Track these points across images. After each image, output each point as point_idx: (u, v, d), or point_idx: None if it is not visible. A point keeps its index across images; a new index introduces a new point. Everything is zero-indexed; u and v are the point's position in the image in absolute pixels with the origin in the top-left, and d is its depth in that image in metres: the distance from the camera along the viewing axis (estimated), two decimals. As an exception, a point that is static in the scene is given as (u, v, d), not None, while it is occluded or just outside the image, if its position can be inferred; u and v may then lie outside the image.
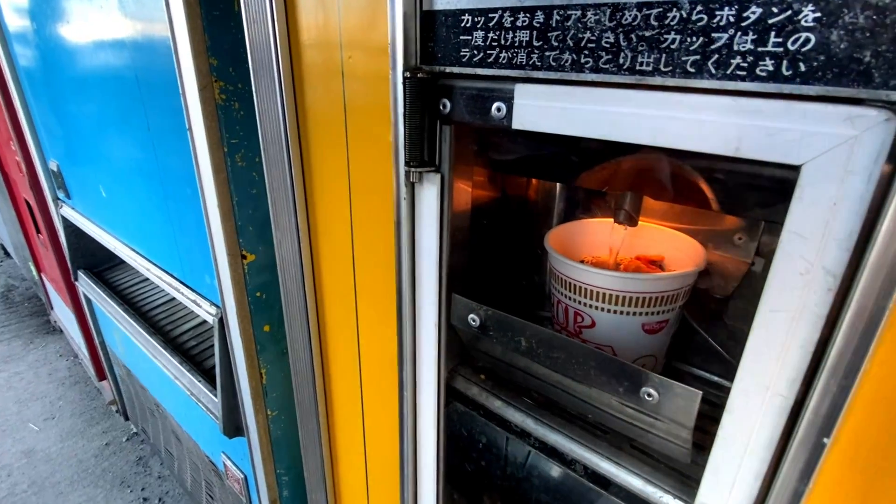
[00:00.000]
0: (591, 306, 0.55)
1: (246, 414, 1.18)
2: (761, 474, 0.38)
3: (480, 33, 0.43)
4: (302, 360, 0.83)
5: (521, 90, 0.42)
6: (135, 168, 1.22)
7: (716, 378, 0.63)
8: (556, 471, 0.56)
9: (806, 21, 0.28)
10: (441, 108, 0.48)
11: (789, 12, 0.29)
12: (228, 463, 1.43)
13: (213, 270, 1.05)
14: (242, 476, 1.39)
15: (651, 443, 0.50)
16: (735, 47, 0.31)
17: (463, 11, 0.44)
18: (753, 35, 0.30)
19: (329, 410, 0.85)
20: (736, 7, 0.30)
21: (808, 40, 0.29)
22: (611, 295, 0.53)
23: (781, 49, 0.30)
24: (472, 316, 0.55)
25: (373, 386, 0.72)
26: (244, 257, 1.00)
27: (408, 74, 0.47)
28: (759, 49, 0.30)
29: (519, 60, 0.41)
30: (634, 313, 0.53)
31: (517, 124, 0.43)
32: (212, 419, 1.35)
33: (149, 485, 2.22)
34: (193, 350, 1.52)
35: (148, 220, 1.28)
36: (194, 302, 1.22)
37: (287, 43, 0.62)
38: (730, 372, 0.63)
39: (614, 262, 0.61)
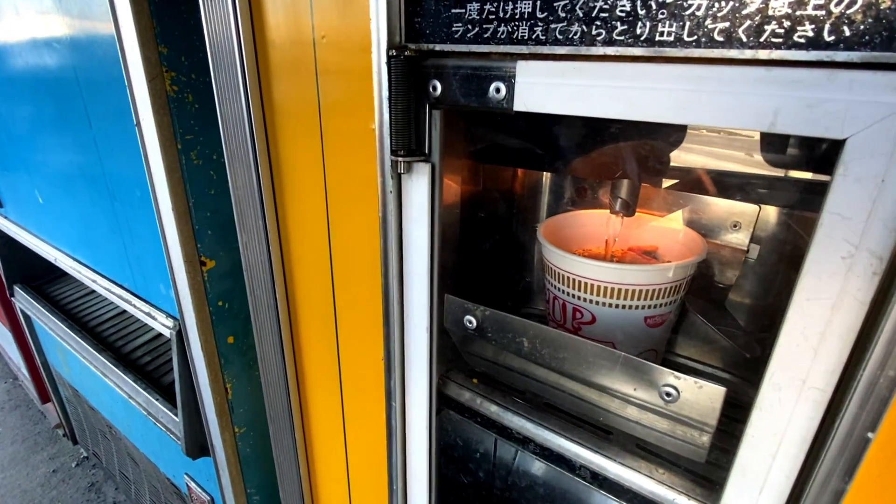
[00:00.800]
0: (591, 301, 0.52)
1: (211, 432, 1.09)
2: (794, 474, 0.35)
3: (475, 5, 0.39)
4: (274, 373, 0.76)
5: (523, 68, 0.38)
6: (76, 171, 1.11)
7: (718, 372, 0.62)
8: (561, 478, 0.53)
9: (852, -21, 0.26)
10: (431, 90, 0.44)
11: (832, -30, 0.26)
12: (192, 485, 1.33)
13: (168, 279, 0.96)
14: (209, 498, 1.30)
15: (660, 442, 0.47)
16: (770, 12, 0.28)
17: (454, -18, 0.39)
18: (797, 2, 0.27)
19: (306, 425, 0.79)
20: (772, -34, 0.28)
21: (853, 1, 0.26)
22: (613, 288, 0.50)
23: (823, 12, 0.27)
24: (468, 318, 0.50)
25: (356, 397, 0.67)
26: (203, 264, 0.92)
27: (392, 53, 0.42)
28: (798, 13, 0.28)
29: (521, 35, 0.38)
30: (637, 307, 0.51)
31: (520, 106, 0.39)
32: (172, 440, 1.25)
33: (102, 513, 2.06)
34: (150, 366, 1.41)
35: (92, 228, 1.17)
36: (148, 314, 1.12)
37: (250, 24, 0.56)
38: (731, 363, 0.61)
39: (610, 253, 0.58)
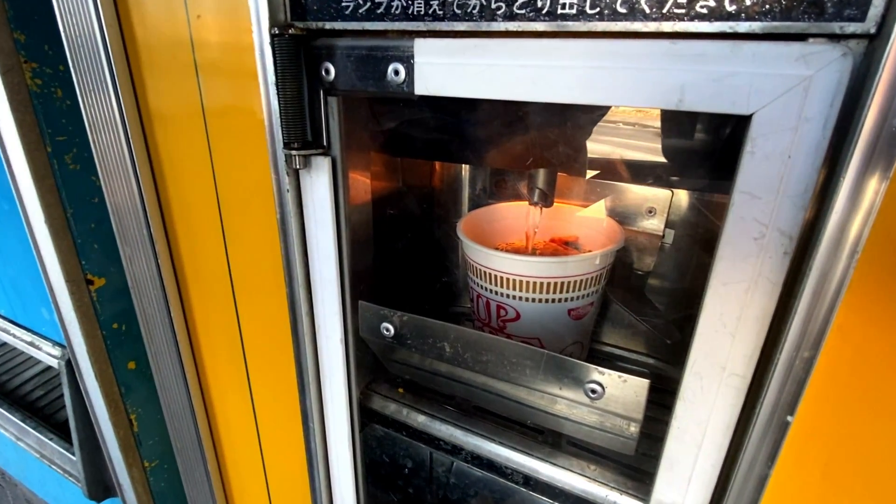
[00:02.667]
0: (513, 297, 0.49)
1: (116, 470, 0.97)
2: (720, 462, 0.34)
3: (365, -23, 0.35)
4: (177, 400, 0.68)
5: (422, 47, 0.34)
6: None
7: (644, 357, 0.62)
8: (495, 484, 0.50)
9: (750, -56, 0.24)
10: (324, 74, 0.39)
11: (730, -65, 0.25)
12: (101, 530, 1.19)
13: (50, 303, 0.84)
14: (121, 543, 1.16)
15: (590, 438, 0.46)
16: (673, -21, 0.26)
17: (340, -50, 0.35)
18: (693, -37, 0.26)
19: (220, 455, 0.71)
20: (671, -70, 0.26)
21: (752, -33, 0.25)
22: (535, 283, 0.48)
23: (725, -21, 0.25)
24: (385, 325, 0.46)
25: (271, 421, 0.61)
26: (90, 282, 0.81)
27: (276, 31, 0.37)
28: (700, -20, 0.26)
29: (416, 10, 0.34)
30: (561, 299, 0.49)
31: (421, 90, 0.35)
32: (70, 482, 1.11)
33: (-1, 571, 1.82)
34: (41, 401, 1.24)
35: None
36: (31, 344, 0.98)
37: (114, 7, 0.48)
38: (655, 347, 0.61)
39: (531, 246, 0.56)
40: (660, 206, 0.57)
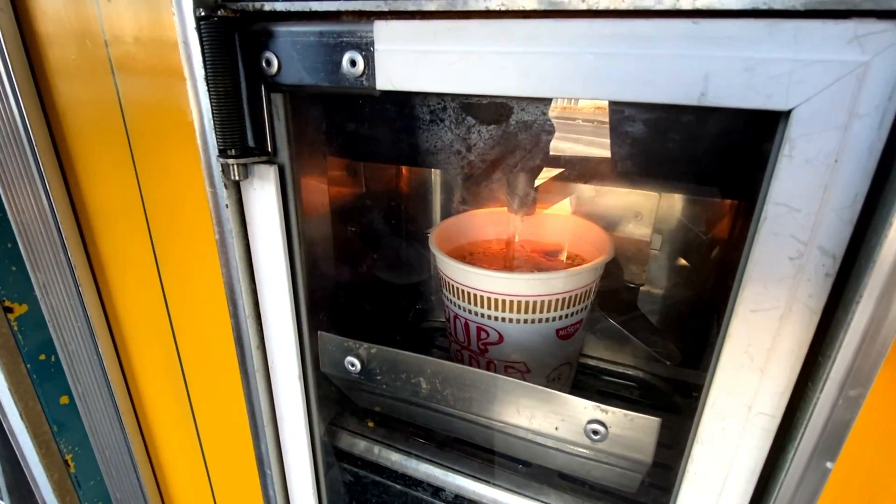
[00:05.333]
0: (497, 318, 0.44)
1: (51, 517, 0.86)
2: (744, 512, 0.30)
3: (311, -54, 0.28)
4: (113, 447, 0.60)
5: (383, 31, 0.28)
6: None
7: (635, 371, 0.58)
8: (480, 530, 0.45)
9: None
10: (265, 65, 0.32)
11: None
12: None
13: (-38, 334, 0.73)
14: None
15: (584, 469, 0.41)
16: (693, -56, 0.21)
17: (279, -88, 0.28)
18: (719, -77, 0.21)
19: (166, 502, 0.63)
20: None
21: (794, -73, 0.20)
22: (519, 302, 0.42)
23: (758, -58, 0.20)
24: (349, 359, 0.40)
25: (224, 469, 0.53)
26: (9, 310, 0.71)
27: (202, 13, 0.30)
28: (727, -55, 0.21)
29: (375, -15, 0.28)
30: (548, 319, 0.44)
31: (384, 84, 0.29)
32: (3, 530, 0.99)
33: None
34: (-36, 440, 1.10)
35: None
36: (-57, 380, 0.85)
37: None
38: (645, 359, 0.57)
39: (512, 259, 0.51)
40: (646, 209, 0.53)
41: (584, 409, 0.33)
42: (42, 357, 0.75)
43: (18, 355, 0.72)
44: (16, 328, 0.71)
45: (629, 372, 0.59)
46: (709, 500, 0.31)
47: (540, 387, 0.34)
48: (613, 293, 0.54)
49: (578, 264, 0.45)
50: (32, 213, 0.48)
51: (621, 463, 0.35)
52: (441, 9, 0.27)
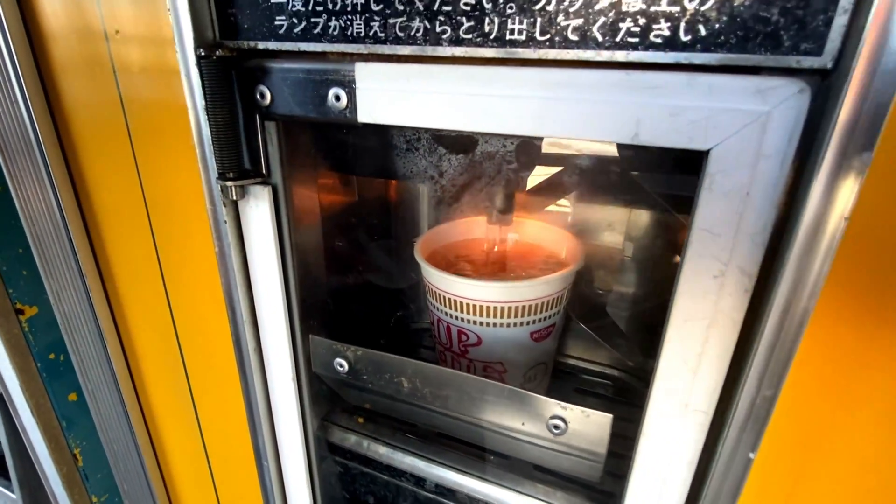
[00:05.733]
0: (475, 322, 0.48)
1: (60, 508, 0.90)
2: (684, 496, 0.34)
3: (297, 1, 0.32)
4: (121, 441, 0.63)
5: (364, 71, 0.32)
6: None
7: (609, 370, 0.61)
8: (459, 517, 0.48)
9: (703, -27, 0.23)
10: (259, 98, 0.36)
11: (683, -38, 0.23)
12: (48, 569, 1.11)
13: (-25, 334, 0.76)
14: (71, 581, 1.09)
15: (556, 462, 0.45)
16: (624, 7, 0.25)
17: (270, -36, 0.32)
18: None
19: (171, 495, 0.67)
20: (622, -45, 0.24)
21: (712, 7, 0.23)
22: (496, 307, 0.46)
23: (678, 9, 0.24)
24: (338, 360, 0.43)
25: (224, 460, 0.57)
26: (20, 312, 0.75)
27: (202, 53, 0.34)
28: (652, 9, 0.24)
29: (356, 31, 0.31)
30: (523, 323, 0.47)
31: (365, 117, 0.33)
32: (13, 521, 1.03)
33: None
34: (-25, 435, 1.14)
35: None
36: (-44, 377, 0.89)
37: (21, 21, 0.43)
38: (619, 360, 0.61)
39: (491, 265, 0.54)
40: (618, 218, 0.56)
41: (546, 407, 0.37)
42: (51, 356, 0.78)
43: (29, 355, 0.76)
44: (27, 329, 0.75)
45: (605, 371, 0.62)
46: (655, 486, 0.34)
47: (507, 386, 0.38)
48: (585, 298, 0.58)
49: (553, 271, 0.49)
50: (45, 222, 0.51)
51: (583, 454, 0.38)
52: (413, 54, 0.30)
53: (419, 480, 0.49)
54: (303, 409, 0.47)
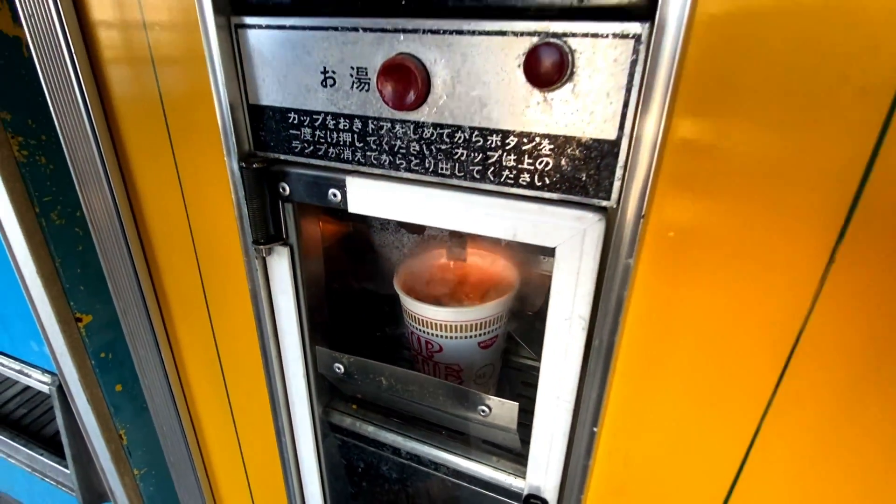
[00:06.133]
0: (437, 336, 0.65)
1: (109, 480, 1.09)
2: (562, 457, 0.51)
3: (308, 130, 0.48)
4: (169, 423, 0.81)
5: (352, 181, 0.49)
6: None
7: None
8: (429, 476, 0.66)
9: (545, 150, 0.40)
10: (281, 190, 0.53)
11: (535, 142, 0.40)
12: (93, 532, 1.30)
13: (40, 337, 0.94)
14: (113, 542, 1.29)
15: (495, 439, 0.63)
16: (504, 163, 0.42)
17: (289, 110, 0.48)
18: (514, 156, 0.41)
19: (207, 464, 0.85)
20: (500, 135, 0.41)
21: (547, 163, 0.40)
22: (452, 325, 0.63)
23: (532, 167, 0.41)
24: (336, 365, 0.61)
25: (251, 435, 0.75)
26: (79, 320, 0.92)
27: (243, 165, 0.51)
28: (519, 165, 0.41)
29: (346, 156, 0.48)
30: (471, 336, 0.65)
31: (353, 209, 0.50)
32: (62, 491, 1.22)
33: (-14, 577, 1.88)
34: (27, 419, 1.33)
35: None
36: (20, 372, 1.08)
37: (101, 109, 0.60)
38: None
39: (452, 290, 0.71)
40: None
41: (477, 398, 0.54)
42: (102, 355, 0.96)
43: (85, 354, 0.94)
44: (83, 333, 0.93)
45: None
46: (544, 451, 0.52)
47: (451, 384, 0.55)
48: (519, 314, 0.75)
49: (499, 295, 0.66)
50: (115, 249, 0.68)
51: (503, 430, 0.56)
52: (383, 174, 0.47)
53: (396, 450, 0.67)
54: (311, 399, 0.65)
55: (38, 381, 1.05)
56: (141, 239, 0.66)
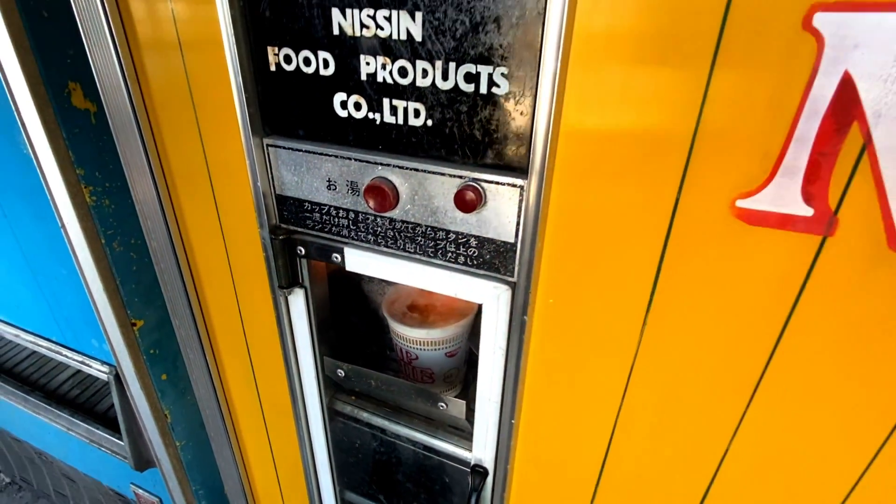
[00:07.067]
0: (414, 348, 0.87)
1: (155, 449, 1.34)
2: (495, 438, 0.74)
3: (317, 215, 0.70)
4: (210, 406, 1.05)
5: (347, 250, 0.70)
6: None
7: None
8: (406, 450, 0.89)
9: (472, 244, 0.61)
10: (298, 251, 0.74)
11: (466, 239, 0.61)
12: (140, 491, 1.57)
13: (100, 335, 1.18)
14: (156, 499, 1.55)
15: (456, 424, 0.85)
16: (447, 248, 0.63)
17: (304, 201, 0.70)
18: (453, 246, 0.62)
19: (239, 438, 1.09)
20: (444, 232, 0.62)
21: (474, 252, 0.62)
22: (424, 340, 0.85)
23: (465, 253, 0.62)
24: (338, 370, 0.84)
25: (275, 418, 0.99)
26: (134, 324, 1.15)
27: (273, 235, 0.72)
28: (457, 251, 0.63)
29: (343, 234, 0.69)
30: (440, 348, 0.87)
31: (350, 267, 0.72)
32: (115, 458, 1.47)
33: (40, 529, 2.18)
34: (80, 398, 1.58)
35: (15, 296, 1.31)
36: (82, 363, 1.32)
37: (164, 181, 0.81)
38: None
39: (428, 310, 0.93)
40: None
41: (436, 396, 0.77)
42: (151, 351, 1.20)
43: (139, 352, 1.17)
44: (137, 335, 1.16)
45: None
46: (482, 434, 0.75)
47: (419, 385, 0.78)
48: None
49: (457, 320, 0.88)
50: (168, 259, 0.90)
51: (456, 420, 0.79)
52: (369, 247, 0.69)
53: (383, 430, 0.90)
54: (321, 393, 0.88)
55: (97, 370, 1.29)
56: (192, 275, 0.88)
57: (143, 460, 1.41)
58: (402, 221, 0.64)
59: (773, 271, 0.49)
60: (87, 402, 1.57)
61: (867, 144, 0.42)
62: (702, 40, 0.43)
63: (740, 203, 0.47)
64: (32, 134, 0.91)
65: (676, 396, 0.59)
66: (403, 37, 0.53)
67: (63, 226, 1.01)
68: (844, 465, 0.54)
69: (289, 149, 0.66)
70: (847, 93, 0.41)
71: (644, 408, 0.62)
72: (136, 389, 1.23)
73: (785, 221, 0.47)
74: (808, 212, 0.46)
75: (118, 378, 1.25)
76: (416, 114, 0.57)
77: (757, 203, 0.47)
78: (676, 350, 0.57)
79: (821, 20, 0.39)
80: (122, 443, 1.38)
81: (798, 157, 0.44)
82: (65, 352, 1.35)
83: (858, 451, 0.53)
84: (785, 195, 0.46)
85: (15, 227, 1.16)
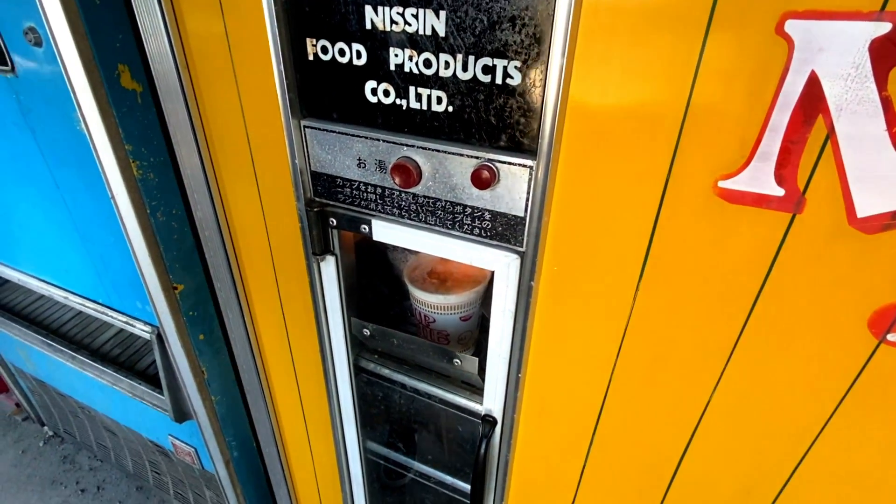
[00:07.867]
0: (431, 312, 0.96)
1: (193, 403, 1.47)
2: (504, 391, 0.84)
3: (348, 190, 0.78)
4: (246, 362, 1.16)
5: (375, 222, 0.79)
6: (45, 223, 1.36)
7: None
8: (423, 403, 1.00)
9: (486, 217, 0.69)
10: (330, 223, 0.83)
11: (481, 213, 0.69)
12: (177, 442, 1.72)
13: (144, 298, 1.29)
14: (192, 449, 1.70)
15: (469, 380, 0.95)
16: (464, 221, 0.71)
17: (336, 177, 0.78)
18: (469, 219, 0.70)
19: (271, 389, 1.21)
20: (461, 206, 0.70)
21: (488, 224, 0.69)
22: (440, 305, 0.94)
23: (480, 226, 0.70)
24: (364, 330, 0.93)
25: (305, 372, 1.09)
26: (175, 288, 1.26)
27: (308, 207, 0.81)
28: (472, 224, 0.71)
29: (371, 207, 0.78)
30: (455, 312, 0.96)
31: (377, 237, 0.80)
32: (155, 411, 1.61)
33: (82, 478, 2.36)
34: (121, 356, 1.72)
35: (65, 261, 1.43)
36: (126, 323, 1.44)
37: (210, 161, 0.90)
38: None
39: (446, 276, 1.02)
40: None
41: (452, 353, 0.86)
42: (191, 313, 1.31)
43: (180, 313, 1.29)
44: (178, 298, 1.27)
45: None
46: (492, 387, 0.84)
47: (437, 344, 0.87)
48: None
49: (472, 287, 0.96)
50: (212, 228, 1.00)
51: (469, 377, 0.88)
52: (394, 218, 0.77)
53: (403, 385, 1.00)
54: (348, 351, 0.98)
55: (141, 330, 1.41)
56: (233, 243, 0.97)
57: (181, 413, 1.55)
58: (425, 196, 0.72)
59: (750, 243, 0.56)
60: (128, 361, 1.71)
61: (830, 134, 0.48)
62: (685, 54, 0.50)
63: (721, 184, 0.54)
64: (87, 112, 1.00)
65: (665, 353, 0.67)
66: (429, 32, 0.60)
67: (113, 197, 1.11)
68: (811, 412, 0.63)
69: (324, 130, 0.74)
70: (813, 90, 0.47)
71: (636, 364, 0.70)
72: (176, 348, 1.35)
73: (760, 200, 0.54)
74: (779, 192, 0.52)
75: (160, 337, 1.37)
76: (439, 101, 0.64)
77: (736, 184, 0.54)
78: (665, 312, 0.64)
79: (791, 27, 0.46)
80: (162, 397, 1.51)
81: (771, 144, 0.51)
82: (111, 313, 1.47)
83: (823, 399, 0.61)
84: (760, 177, 0.52)
85: (67, 198, 1.26)
